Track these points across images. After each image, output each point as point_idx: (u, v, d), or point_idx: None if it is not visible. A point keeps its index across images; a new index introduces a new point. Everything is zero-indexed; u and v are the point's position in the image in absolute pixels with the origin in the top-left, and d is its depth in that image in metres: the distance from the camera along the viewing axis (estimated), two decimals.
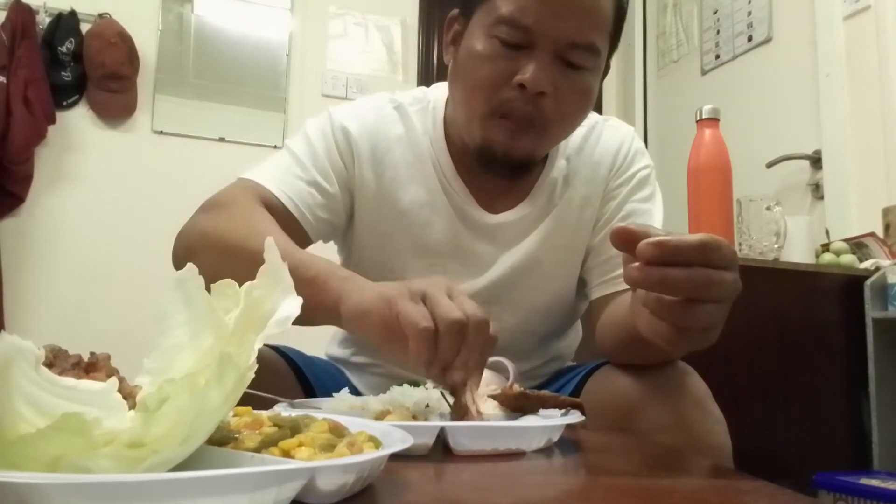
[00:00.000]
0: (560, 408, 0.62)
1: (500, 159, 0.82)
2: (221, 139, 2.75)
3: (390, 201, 0.90)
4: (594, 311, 0.92)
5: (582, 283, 0.95)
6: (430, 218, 0.89)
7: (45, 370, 0.31)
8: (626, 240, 0.50)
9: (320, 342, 1.06)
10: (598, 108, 1.03)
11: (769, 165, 2.26)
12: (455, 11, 0.87)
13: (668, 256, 0.48)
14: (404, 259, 0.90)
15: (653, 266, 0.49)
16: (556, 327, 0.99)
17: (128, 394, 0.34)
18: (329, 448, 0.37)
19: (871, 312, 1.51)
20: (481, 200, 0.90)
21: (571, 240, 0.92)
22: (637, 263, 0.49)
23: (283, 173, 0.87)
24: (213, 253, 0.76)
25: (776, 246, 1.60)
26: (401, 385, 0.67)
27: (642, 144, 0.98)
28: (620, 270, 0.85)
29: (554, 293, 0.94)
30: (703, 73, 2.78)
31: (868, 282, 1.53)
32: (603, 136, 0.94)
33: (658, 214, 0.93)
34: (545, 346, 0.99)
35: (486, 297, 0.90)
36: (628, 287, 0.55)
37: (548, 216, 0.91)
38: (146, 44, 2.69)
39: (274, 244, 0.39)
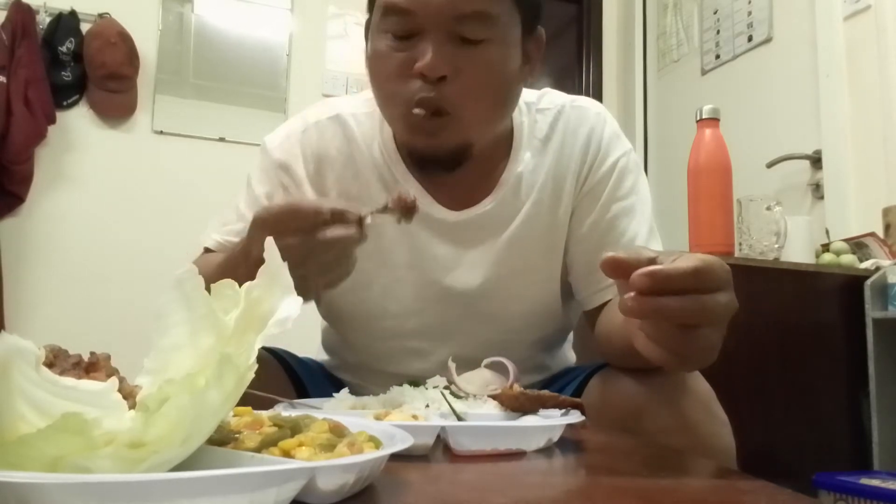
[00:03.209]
0: (560, 408, 0.62)
1: (429, 157, 0.79)
2: (221, 139, 2.75)
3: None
4: (590, 319, 0.90)
5: (568, 288, 0.91)
6: (381, 230, 0.85)
7: (45, 370, 0.31)
8: (618, 268, 0.50)
9: (312, 344, 1.05)
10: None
11: (769, 165, 2.26)
12: (367, 17, 0.84)
13: (661, 286, 0.48)
14: (368, 276, 0.86)
15: (647, 296, 0.48)
16: (547, 334, 0.95)
17: (128, 394, 0.34)
18: (329, 448, 0.37)
19: (871, 312, 1.51)
20: (442, 199, 0.86)
21: (545, 240, 0.87)
22: (632, 293, 0.49)
23: (225, 233, 0.89)
24: None
25: (776, 246, 1.60)
26: (401, 385, 0.68)
27: (615, 126, 0.90)
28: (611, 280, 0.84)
29: (534, 299, 0.90)
30: (703, 73, 2.78)
31: (868, 282, 1.53)
32: (570, 124, 0.88)
33: (642, 206, 0.88)
34: (547, 354, 0.97)
35: (460, 310, 0.87)
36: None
37: (517, 214, 0.86)
38: (146, 44, 2.69)
39: (272, 243, 0.39)
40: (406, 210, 0.65)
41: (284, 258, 0.62)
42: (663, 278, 0.48)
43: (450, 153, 0.79)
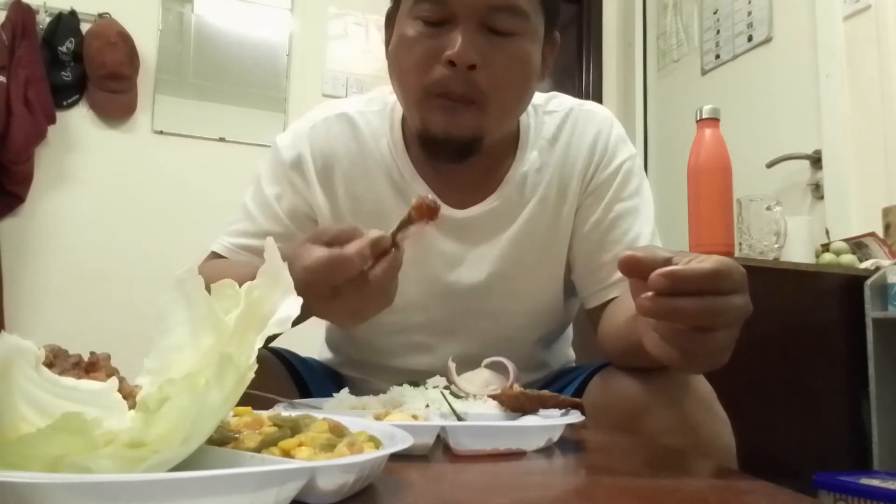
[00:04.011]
0: (560, 408, 0.62)
1: (442, 140, 0.78)
2: (221, 139, 2.75)
3: (347, 219, 0.87)
4: (592, 317, 0.90)
5: (571, 286, 0.92)
6: (388, 225, 0.86)
7: (45, 370, 0.31)
8: (634, 267, 0.50)
9: (313, 344, 1.06)
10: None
11: (769, 165, 2.26)
12: (389, 7, 0.85)
13: (680, 286, 0.48)
14: None
15: (663, 296, 0.48)
16: (549, 331, 0.96)
17: (128, 394, 0.34)
18: (329, 448, 0.37)
19: (871, 312, 1.51)
20: (447, 197, 0.86)
21: (550, 238, 0.88)
22: (648, 293, 0.49)
23: (235, 235, 0.89)
24: None
25: (776, 246, 1.60)
26: (404, 380, 0.68)
27: (622, 131, 0.92)
28: (615, 276, 0.84)
29: (537, 296, 0.91)
30: (703, 73, 2.78)
31: (868, 282, 1.53)
32: (578, 125, 0.90)
33: (646, 209, 0.89)
34: (547, 351, 0.97)
35: (464, 306, 0.88)
36: (624, 290, 0.55)
37: (521, 212, 0.87)
38: (146, 44, 2.69)
39: (273, 243, 0.39)
40: (430, 213, 0.64)
41: (340, 310, 0.63)
42: (682, 279, 0.48)
43: (464, 139, 0.78)
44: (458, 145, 0.79)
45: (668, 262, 0.49)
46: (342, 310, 0.65)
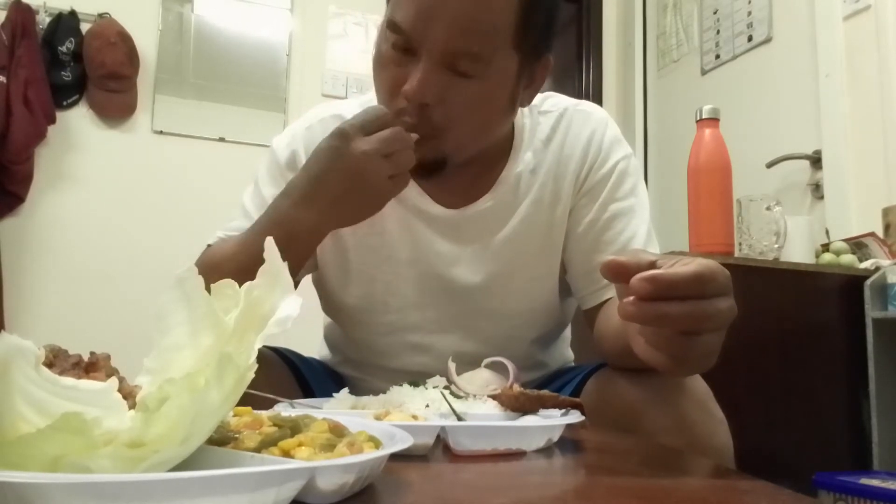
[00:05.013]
0: (560, 408, 0.62)
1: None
2: (221, 139, 2.75)
3: None
4: (588, 318, 0.90)
5: (566, 286, 0.92)
6: (384, 226, 0.87)
7: (45, 370, 0.31)
8: (618, 272, 0.50)
9: (313, 344, 1.06)
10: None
11: (769, 165, 2.26)
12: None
13: (663, 291, 0.47)
14: (370, 272, 0.89)
15: (648, 301, 0.48)
16: (546, 331, 0.96)
17: (128, 394, 0.34)
18: (329, 448, 0.37)
19: (871, 312, 1.51)
20: (440, 198, 0.87)
21: (545, 238, 0.88)
22: (632, 298, 0.48)
23: (231, 231, 0.89)
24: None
25: (776, 246, 1.60)
26: (402, 379, 0.68)
27: (617, 131, 0.92)
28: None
29: (534, 297, 0.91)
30: (703, 73, 2.78)
31: (868, 282, 1.53)
32: (572, 126, 0.89)
33: (641, 209, 0.88)
34: (545, 351, 0.97)
35: (460, 306, 0.88)
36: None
37: (515, 212, 0.87)
38: (146, 44, 2.69)
39: (273, 243, 0.39)
40: None
41: (383, 163, 0.72)
42: (664, 284, 0.47)
43: (426, 163, 0.78)
44: (422, 168, 0.78)
45: (652, 265, 0.49)
46: (374, 156, 0.71)
